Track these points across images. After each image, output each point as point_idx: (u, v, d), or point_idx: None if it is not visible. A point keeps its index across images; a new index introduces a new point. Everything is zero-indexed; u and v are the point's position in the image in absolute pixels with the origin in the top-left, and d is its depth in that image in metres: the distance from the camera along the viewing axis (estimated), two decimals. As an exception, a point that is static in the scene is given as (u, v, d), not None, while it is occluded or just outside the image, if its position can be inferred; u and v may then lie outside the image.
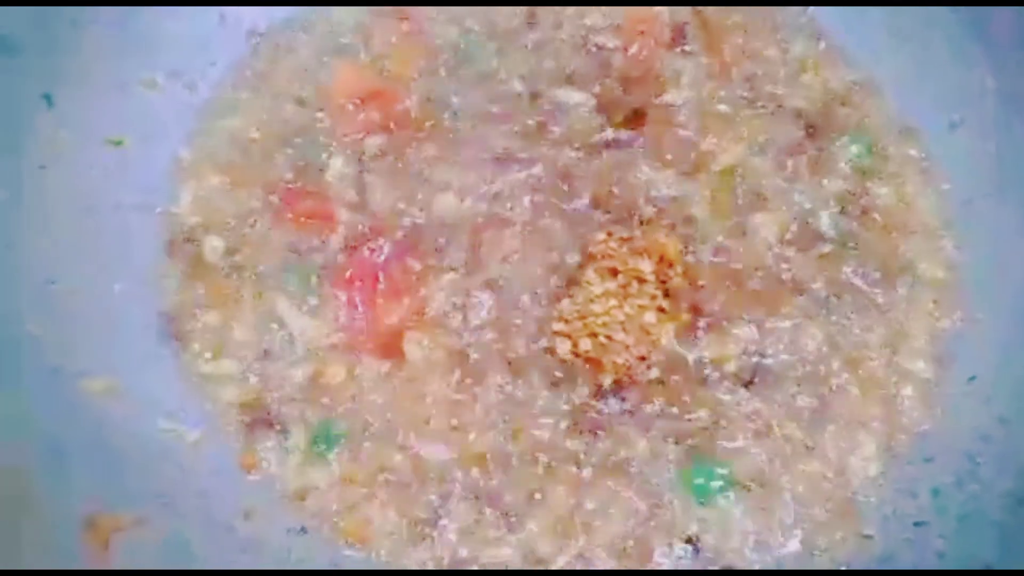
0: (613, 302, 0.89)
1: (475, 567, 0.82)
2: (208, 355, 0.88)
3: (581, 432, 0.85)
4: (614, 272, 0.90)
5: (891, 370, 0.89)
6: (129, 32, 0.96)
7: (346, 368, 0.87)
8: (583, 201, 0.94)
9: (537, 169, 0.95)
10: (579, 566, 0.82)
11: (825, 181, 0.97)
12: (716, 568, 0.83)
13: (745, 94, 1.02)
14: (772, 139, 0.99)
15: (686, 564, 0.82)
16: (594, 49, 1.02)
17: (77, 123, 0.91)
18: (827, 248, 0.93)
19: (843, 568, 0.82)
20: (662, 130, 0.99)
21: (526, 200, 0.94)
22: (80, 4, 0.91)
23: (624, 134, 0.98)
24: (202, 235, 0.93)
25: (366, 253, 0.92)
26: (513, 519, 0.83)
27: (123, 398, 0.81)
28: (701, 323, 0.89)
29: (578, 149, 0.96)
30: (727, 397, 0.87)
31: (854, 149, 0.98)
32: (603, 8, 1.04)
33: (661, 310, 0.89)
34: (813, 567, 0.82)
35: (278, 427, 0.85)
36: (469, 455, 0.85)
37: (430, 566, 0.81)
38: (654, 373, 0.88)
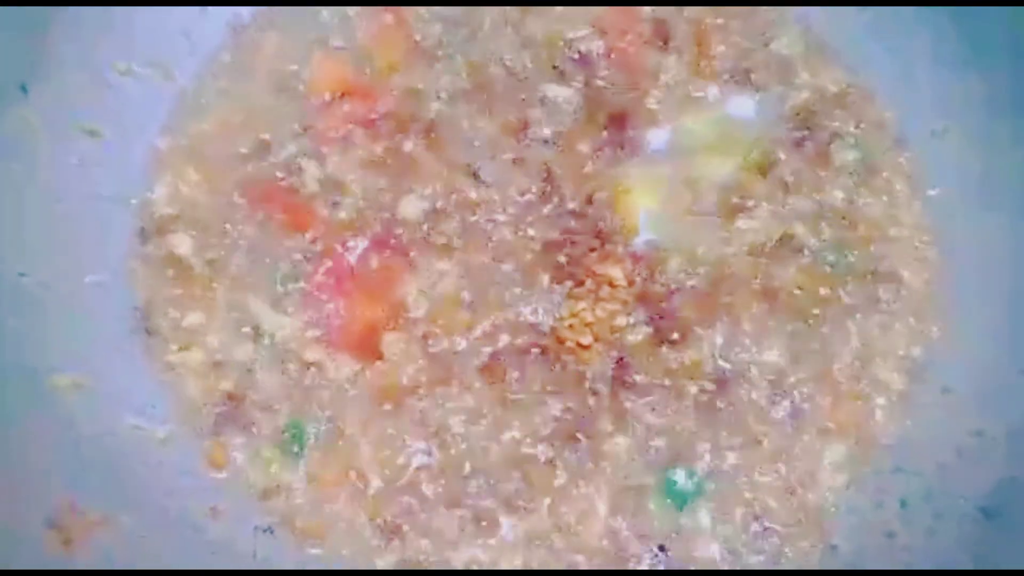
0: (583, 304, 0.89)
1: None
2: (179, 350, 0.88)
3: (558, 436, 0.85)
4: (585, 276, 0.90)
5: (864, 381, 0.88)
6: (107, 20, 0.94)
7: (320, 366, 0.87)
8: (564, 205, 0.93)
9: (520, 170, 0.94)
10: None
11: (815, 187, 0.96)
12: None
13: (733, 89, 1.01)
14: (760, 141, 0.98)
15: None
16: (576, 55, 1.00)
17: (52, 112, 0.90)
18: (808, 257, 0.93)
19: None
20: (645, 130, 0.99)
21: (507, 201, 0.93)
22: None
23: (607, 135, 0.97)
24: (177, 228, 0.93)
25: (341, 249, 0.92)
26: (486, 524, 0.83)
27: (92, 393, 0.81)
28: (674, 329, 0.89)
29: (562, 150, 0.95)
30: (698, 402, 0.87)
31: (851, 155, 0.97)
32: (583, 9, 1.03)
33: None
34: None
35: (248, 424, 0.85)
36: (444, 457, 0.85)
37: (398, 567, 0.81)
38: (626, 376, 0.88)
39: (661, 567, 0.83)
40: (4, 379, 0.77)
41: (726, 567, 0.83)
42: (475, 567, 0.83)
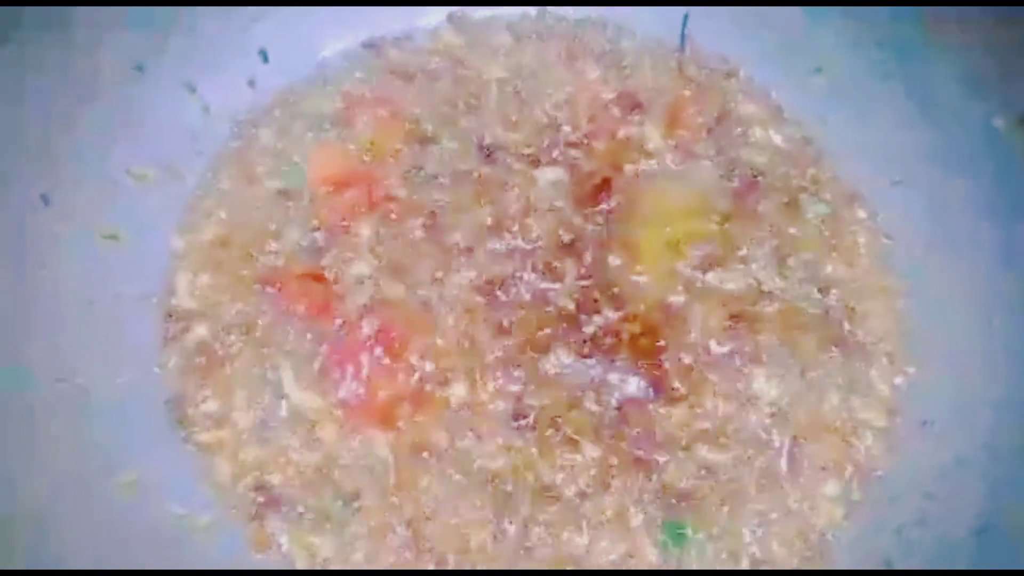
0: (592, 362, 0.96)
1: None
2: (214, 438, 0.92)
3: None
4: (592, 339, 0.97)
5: (847, 420, 0.95)
6: (120, 123, 1.00)
7: (347, 440, 0.92)
8: (563, 283, 1.00)
9: (521, 252, 1.01)
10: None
11: (782, 239, 1.04)
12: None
13: (706, 154, 1.09)
14: (729, 198, 1.06)
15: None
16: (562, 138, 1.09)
17: (73, 220, 0.95)
18: (780, 306, 1.00)
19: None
20: (629, 196, 1.06)
21: (511, 280, 1.00)
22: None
23: (595, 211, 1.04)
24: (198, 321, 0.98)
25: (355, 330, 0.97)
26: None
27: (141, 487, 0.86)
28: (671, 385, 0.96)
29: (560, 229, 1.03)
30: (695, 451, 0.93)
31: (819, 209, 1.06)
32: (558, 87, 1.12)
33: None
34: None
35: (285, 506, 0.89)
36: (464, 526, 0.90)
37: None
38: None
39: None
40: (54, 480, 0.81)
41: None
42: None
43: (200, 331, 0.97)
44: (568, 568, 0.88)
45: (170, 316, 0.98)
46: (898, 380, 0.97)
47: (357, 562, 0.87)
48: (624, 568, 0.89)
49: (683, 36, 1.16)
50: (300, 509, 0.89)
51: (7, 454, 0.79)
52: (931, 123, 1.04)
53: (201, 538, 0.86)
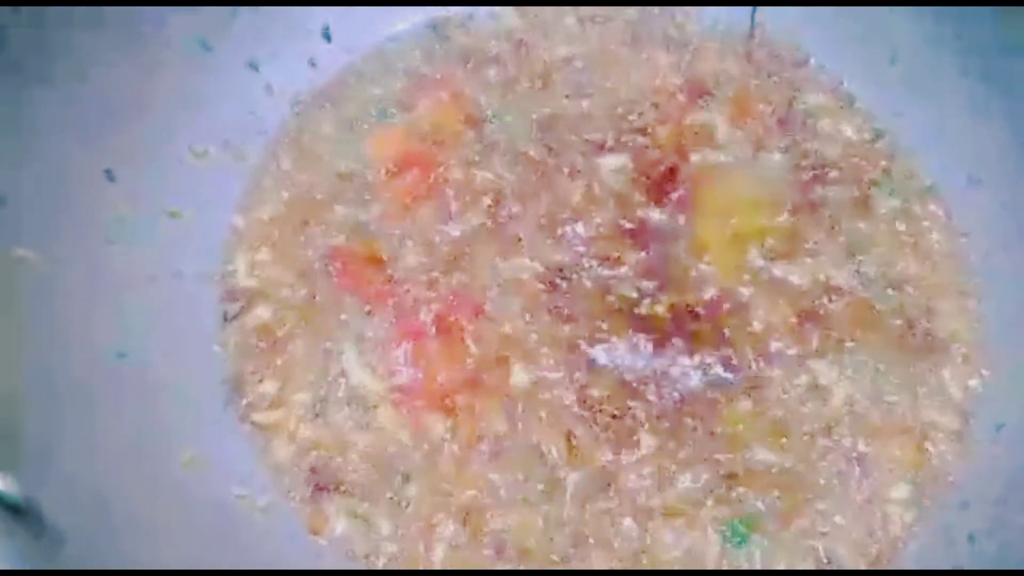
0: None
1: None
2: (271, 419, 0.92)
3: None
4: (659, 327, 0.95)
5: (918, 422, 0.92)
6: (182, 104, 1.00)
7: (405, 425, 0.91)
8: (625, 272, 0.98)
9: (583, 240, 1.00)
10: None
11: (852, 234, 1.01)
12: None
13: (775, 145, 1.06)
14: (798, 190, 1.03)
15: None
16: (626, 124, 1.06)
17: (136, 197, 0.94)
18: (850, 302, 0.97)
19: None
20: (695, 186, 1.04)
21: (572, 268, 0.98)
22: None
23: (660, 200, 1.02)
24: (258, 300, 0.97)
25: (416, 315, 0.96)
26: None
27: (202, 466, 0.85)
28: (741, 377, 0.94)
29: (623, 218, 1.01)
30: (759, 448, 0.91)
31: (891, 203, 1.02)
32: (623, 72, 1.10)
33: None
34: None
35: (342, 489, 0.89)
36: (521, 514, 0.89)
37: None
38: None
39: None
40: (115, 456, 0.81)
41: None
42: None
43: (260, 311, 0.97)
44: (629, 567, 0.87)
45: (230, 295, 0.97)
46: (972, 382, 0.94)
47: (413, 544, 0.86)
48: (688, 566, 0.87)
49: (753, 21, 1.13)
50: (356, 492, 0.88)
51: (69, 426, 0.79)
52: (1010, 119, 0.99)
53: (260, 519, 0.86)
